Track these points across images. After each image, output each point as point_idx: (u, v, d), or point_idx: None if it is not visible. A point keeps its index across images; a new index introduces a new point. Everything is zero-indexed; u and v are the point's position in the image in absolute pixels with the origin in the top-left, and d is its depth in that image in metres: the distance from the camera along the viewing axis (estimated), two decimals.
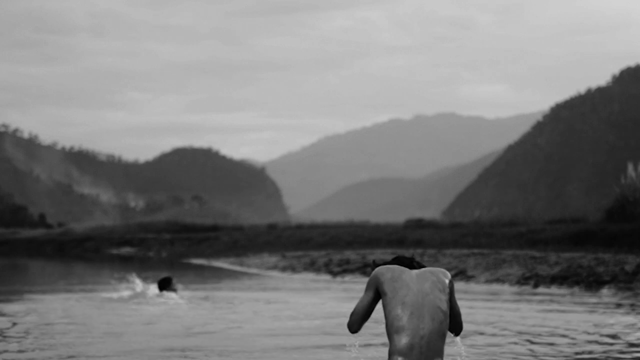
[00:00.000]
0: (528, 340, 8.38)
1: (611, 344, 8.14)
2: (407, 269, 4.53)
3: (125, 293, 14.47)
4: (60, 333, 9.17)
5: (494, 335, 8.84)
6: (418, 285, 4.44)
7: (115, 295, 14.28)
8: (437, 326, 4.36)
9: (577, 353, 7.57)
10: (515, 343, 8.25)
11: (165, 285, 14.12)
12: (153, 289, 14.31)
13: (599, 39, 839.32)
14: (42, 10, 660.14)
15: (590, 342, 8.29)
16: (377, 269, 4.60)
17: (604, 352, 7.67)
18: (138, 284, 14.91)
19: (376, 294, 4.57)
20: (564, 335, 8.74)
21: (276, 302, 13.28)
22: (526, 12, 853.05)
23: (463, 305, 11.74)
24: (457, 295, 4.80)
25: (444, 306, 4.42)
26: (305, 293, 15.35)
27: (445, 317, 4.41)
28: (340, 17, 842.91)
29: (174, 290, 13.92)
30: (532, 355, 7.47)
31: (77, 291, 15.76)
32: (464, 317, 4.94)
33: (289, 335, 9.01)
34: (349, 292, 15.07)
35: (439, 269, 4.58)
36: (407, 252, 4.33)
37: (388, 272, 4.52)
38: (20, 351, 7.89)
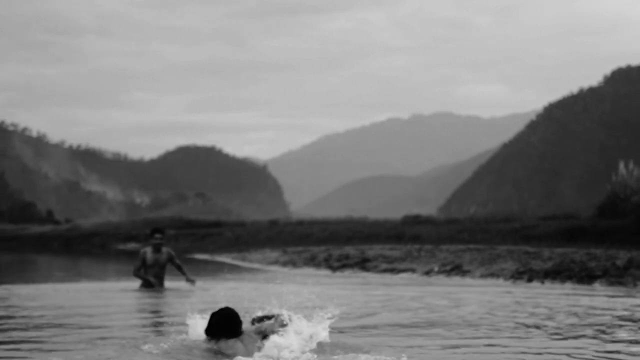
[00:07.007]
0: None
1: None
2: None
3: (112, 284, 14.28)
4: (31, 321, 8.82)
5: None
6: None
7: (103, 286, 14.16)
8: None
9: None
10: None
11: (155, 233, 12.75)
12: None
13: (594, 40, 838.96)
14: (50, 12, 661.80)
15: None
16: None
17: None
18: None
19: None
20: None
21: (246, 291, 12.83)
22: (523, 13, 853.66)
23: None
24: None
25: None
26: (286, 284, 14.99)
27: None
28: (341, 18, 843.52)
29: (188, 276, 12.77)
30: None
31: (69, 282, 15.63)
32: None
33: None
34: (337, 285, 14.79)
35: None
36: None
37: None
38: None
